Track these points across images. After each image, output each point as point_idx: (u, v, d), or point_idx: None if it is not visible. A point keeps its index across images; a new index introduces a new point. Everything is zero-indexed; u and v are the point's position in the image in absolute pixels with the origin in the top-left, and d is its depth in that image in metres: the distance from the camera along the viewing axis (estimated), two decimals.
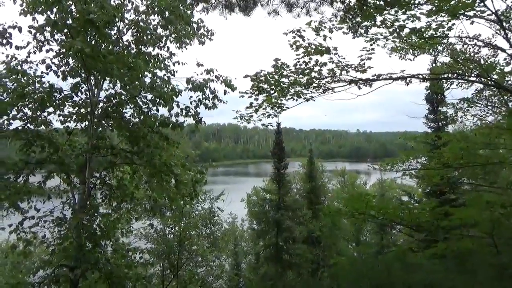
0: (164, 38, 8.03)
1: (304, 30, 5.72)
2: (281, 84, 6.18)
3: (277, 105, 6.54)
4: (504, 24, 6.61)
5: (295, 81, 6.09)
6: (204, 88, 7.55)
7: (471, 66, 7.84)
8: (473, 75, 7.64)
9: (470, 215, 7.70)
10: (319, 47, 5.75)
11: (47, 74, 7.17)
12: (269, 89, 6.28)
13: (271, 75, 6.07)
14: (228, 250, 24.75)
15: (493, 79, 7.65)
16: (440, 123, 17.18)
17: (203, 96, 7.62)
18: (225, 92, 7.54)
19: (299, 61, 5.97)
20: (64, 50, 7.13)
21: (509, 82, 8.87)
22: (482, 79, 7.42)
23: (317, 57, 5.90)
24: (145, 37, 7.81)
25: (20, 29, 6.63)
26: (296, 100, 6.44)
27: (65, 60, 7.34)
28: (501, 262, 5.48)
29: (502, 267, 5.08)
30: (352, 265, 7.53)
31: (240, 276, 23.55)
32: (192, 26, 8.12)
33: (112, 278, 7.71)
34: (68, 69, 7.39)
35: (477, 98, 10.89)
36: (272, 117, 6.72)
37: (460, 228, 8.53)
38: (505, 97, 10.02)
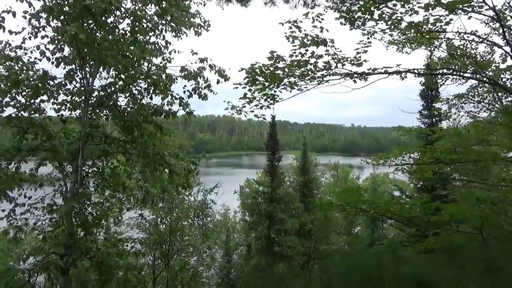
0: (161, 27, 7.95)
1: (301, 21, 5.67)
2: (276, 76, 6.14)
3: (270, 97, 6.50)
4: (502, 21, 6.61)
5: (289, 70, 6.05)
6: (198, 77, 7.51)
7: (467, 62, 7.86)
8: (468, 71, 7.66)
9: (460, 211, 7.78)
10: (315, 39, 5.72)
11: (40, 60, 7.08)
12: (263, 81, 6.23)
13: (266, 67, 6.03)
14: (220, 241, 24.85)
15: (488, 76, 7.68)
16: (433, 119, 17.27)
17: (197, 86, 7.59)
18: (218, 82, 7.51)
19: (295, 52, 5.93)
20: (59, 37, 7.04)
21: (504, 79, 8.93)
22: (478, 75, 7.44)
23: (313, 48, 5.86)
24: (141, 26, 7.72)
25: (14, 14, 6.53)
26: (290, 91, 6.40)
27: (60, 46, 7.23)
28: (489, 256, 5.55)
29: (490, 261, 5.14)
30: (343, 258, 7.58)
31: (232, 267, 23.69)
32: (188, 15, 8.03)
33: (103, 267, 7.71)
34: (62, 56, 7.30)
35: (471, 94, 10.95)
36: (265, 109, 6.67)
37: (450, 223, 8.62)
38: (499, 94, 10.07)
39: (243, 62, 6.31)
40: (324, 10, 6.07)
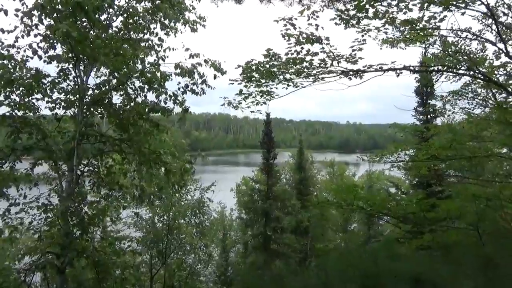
0: (153, 26, 7.87)
1: (296, 19, 5.67)
2: (271, 73, 6.15)
3: (266, 93, 6.51)
4: (495, 17, 6.63)
5: (285, 68, 6.07)
6: (193, 73, 7.45)
7: (461, 59, 7.88)
8: (462, 68, 7.69)
9: (456, 207, 7.83)
10: (310, 36, 5.72)
11: (32, 58, 7.01)
12: (259, 78, 6.24)
13: (262, 65, 6.03)
14: (217, 239, 24.86)
15: (482, 73, 7.71)
16: (428, 116, 17.34)
17: (191, 82, 7.54)
18: (215, 77, 7.45)
19: (291, 50, 5.93)
20: (52, 35, 6.97)
21: (498, 76, 8.96)
22: (472, 72, 7.47)
23: (309, 46, 5.87)
24: (134, 24, 7.65)
25: (6, 12, 6.47)
26: (286, 88, 6.42)
27: (52, 44, 7.16)
28: (485, 252, 5.60)
29: (487, 257, 5.19)
30: (340, 255, 7.62)
31: (229, 264, 23.71)
32: (182, 10, 7.93)
33: (100, 265, 7.68)
34: (55, 54, 7.23)
35: (465, 91, 10.99)
36: (261, 105, 6.70)
37: (446, 220, 8.67)
38: (493, 91, 10.11)
39: (239, 60, 6.32)
40: (320, 9, 6.06)
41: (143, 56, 7.70)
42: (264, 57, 5.97)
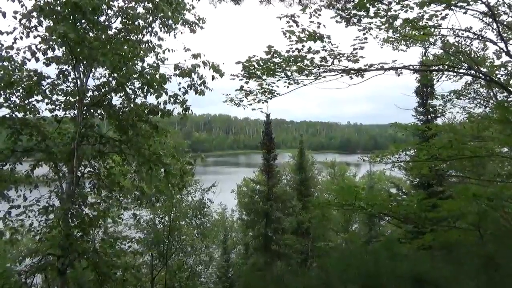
0: (151, 20, 7.84)
1: (299, 16, 5.68)
2: (273, 70, 6.17)
3: (268, 91, 6.52)
4: (495, 16, 6.62)
5: (287, 65, 6.08)
6: (192, 74, 7.44)
7: (462, 59, 7.87)
8: (463, 67, 7.68)
9: (457, 207, 7.80)
10: (312, 34, 5.73)
11: (29, 60, 7.00)
12: (260, 75, 6.25)
13: (263, 61, 6.04)
14: (218, 240, 24.85)
15: (483, 72, 7.69)
16: (429, 116, 17.33)
17: (192, 82, 7.53)
18: (213, 78, 7.43)
19: (292, 48, 5.94)
20: (51, 36, 6.96)
21: (499, 75, 8.95)
22: (472, 71, 7.46)
23: (310, 44, 5.89)
24: (133, 24, 7.64)
25: (4, 14, 6.46)
26: (288, 86, 6.43)
27: (51, 46, 7.14)
28: (487, 252, 5.58)
29: (488, 257, 5.17)
30: (341, 255, 7.60)
31: (230, 265, 23.68)
32: (180, 10, 7.90)
33: (100, 267, 7.66)
34: (54, 56, 7.22)
35: (466, 91, 10.98)
36: (263, 103, 6.71)
37: (447, 220, 8.65)
38: (494, 90, 10.10)
39: (238, 60, 6.29)
40: (319, 7, 6.06)
41: (142, 55, 7.68)
42: (266, 54, 5.98)
